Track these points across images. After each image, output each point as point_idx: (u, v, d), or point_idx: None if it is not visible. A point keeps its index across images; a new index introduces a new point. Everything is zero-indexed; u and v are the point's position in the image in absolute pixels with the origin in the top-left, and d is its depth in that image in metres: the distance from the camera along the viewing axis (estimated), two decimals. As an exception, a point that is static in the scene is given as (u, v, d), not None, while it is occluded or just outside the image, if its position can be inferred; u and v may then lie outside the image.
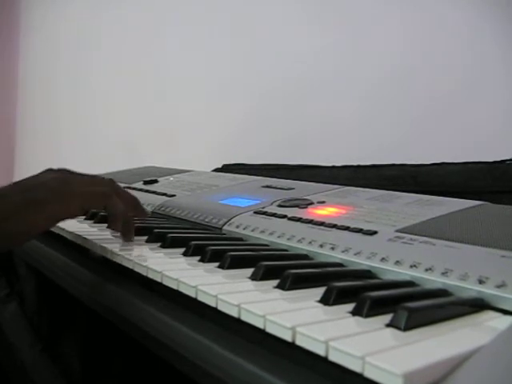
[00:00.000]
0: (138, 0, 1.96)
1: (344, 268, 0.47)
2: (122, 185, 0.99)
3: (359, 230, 0.52)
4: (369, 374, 0.25)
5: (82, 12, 2.30)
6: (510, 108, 0.92)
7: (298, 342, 0.30)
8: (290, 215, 0.61)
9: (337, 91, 1.21)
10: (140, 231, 0.60)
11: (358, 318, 0.32)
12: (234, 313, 0.35)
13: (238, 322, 0.34)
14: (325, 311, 0.34)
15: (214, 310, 0.36)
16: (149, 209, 0.80)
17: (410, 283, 0.41)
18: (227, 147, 1.45)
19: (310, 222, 0.58)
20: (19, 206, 0.50)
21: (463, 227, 0.50)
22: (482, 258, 0.42)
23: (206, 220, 0.68)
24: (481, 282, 0.38)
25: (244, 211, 0.67)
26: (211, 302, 0.37)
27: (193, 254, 0.50)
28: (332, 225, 0.55)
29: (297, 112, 1.30)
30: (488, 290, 0.37)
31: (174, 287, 0.41)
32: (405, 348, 0.28)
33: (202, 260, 0.48)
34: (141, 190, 0.93)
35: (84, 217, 0.74)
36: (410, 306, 0.31)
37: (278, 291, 0.39)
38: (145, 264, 0.46)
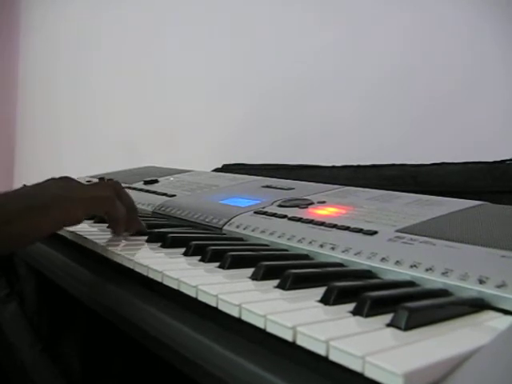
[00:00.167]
0: (138, 0, 1.96)
1: (344, 268, 0.47)
2: (123, 185, 0.99)
3: (359, 230, 0.52)
4: (369, 373, 0.25)
5: (81, 12, 2.30)
6: (510, 108, 0.92)
7: (299, 342, 0.30)
8: (290, 215, 0.61)
9: (337, 91, 1.21)
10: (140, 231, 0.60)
11: (358, 318, 0.32)
12: (234, 313, 0.35)
13: (238, 321, 0.34)
14: (325, 311, 0.34)
15: (215, 309, 0.37)
16: (149, 209, 0.80)
17: (410, 283, 0.41)
18: (227, 147, 1.46)
19: (311, 222, 0.58)
20: (22, 211, 0.50)
21: (463, 227, 0.50)
22: (482, 257, 0.42)
23: (207, 220, 0.68)
24: (481, 281, 0.38)
25: (244, 211, 0.67)
26: (212, 302, 0.37)
27: (193, 254, 0.50)
28: (332, 225, 0.55)
29: (297, 112, 1.30)
30: (488, 290, 0.37)
31: (175, 287, 0.41)
32: (405, 348, 0.28)
33: (202, 260, 0.48)
34: (141, 189, 0.93)
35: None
36: (410, 305, 0.31)
37: (279, 291, 0.39)
38: (145, 264, 0.46)
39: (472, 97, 0.97)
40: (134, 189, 0.95)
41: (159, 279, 0.43)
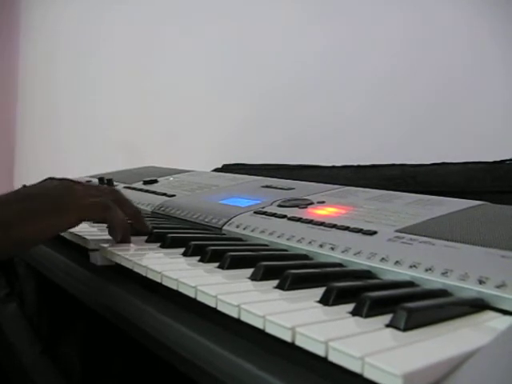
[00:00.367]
0: (138, 0, 1.96)
1: (344, 268, 0.47)
2: (122, 185, 0.99)
3: (359, 230, 0.52)
4: (368, 374, 0.25)
5: (81, 12, 2.30)
6: (510, 108, 0.92)
7: (298, 343, 0.30)
8: (289, 215, 0.61)
9: (337, 91, 1.21)
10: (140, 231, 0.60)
11: (357, 319, 0.32)
12: (233, 313, 0.35)
13: (237, 322, 0.34)
14: (324, 311, 0.34)
15: (214, 310, 0.36)
16: (148, 209, 0.80)
17: (409, 283, 0.41)
18: (227, 147, 1.46)
19: (310, 222, 0.58)
20: (18, 216, 0.50)
21: (463, 227, 0.50)
22: (482, 258, 0.42)
23: (206, 220, 0.68)
24: (481, 282, 0.38)
25: (244, 211, 0.67)
26: (211, 303, 0.37)
27: (192, 254, 0.50)
28: (332, 225, 0.55)
29: (297, 112, 1.30)
30: (488, 290, 0.37)
31: (174, 287, 0.41)
32: (404, 348, 0.28)
33: (201, 260, 0.48)
34: (141, 190, 0.93)
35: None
36: (409, 306, 0.31)
37: (278, 291, 0.39)
38: (144, 264, 0.46)
39: (472, 97, 0.97)
40: (134, 189, 0.95)
41: (158, 279, 0.43)
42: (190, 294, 0.39)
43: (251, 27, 1.44)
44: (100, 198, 0.56)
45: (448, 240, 0.46)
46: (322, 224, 0.56)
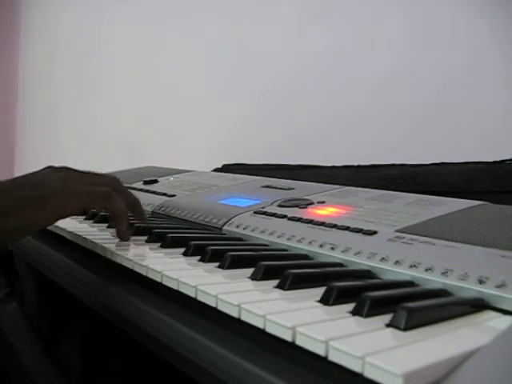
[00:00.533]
0: (138, 0, 1.96)
1: (344, 268, 0.47)
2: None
3: (359, 230, 0.52)
4: (369, 373, 0.25)
5: (81, 12, 2.30)
6: (510, 108, 0.92)
7: (298, 342, 0.30)
8: (290, 215, 0.61)
9: (337, 91, 1.21)
10: (140, 231, 0.60)
11: (357, 318, 0.32)
12: (234, 313, 0.35)
13: (238, 321, 0.34)
14: (325, 311, 0.34)
15: (214, 309, 0.36)
16: (149, 209, 0.80)
17: (410, 283, 0.41)
18: (227, 147, 1.46)
19: (310, 222, 0.58)
20: (18, 203, 0.50)
21: (463, 227, 0.50)
22: (481, 258, 0.42)
23: (206, 220, 0.68)
24: (481, 282, 0.38)
25: (244, 211, 0.67)
26: (211, 302, 0.37)
27: (193, 254, 0.50)
28: (332, 225, 0.55)
29: (297, 112, 1.30)
30: (488, 290, 0.37)
31: (174, 287, 0.41)
32: (405, 348, 0.28)
33: (202, 260, 0.48)
34: (141, 190, 0.93)
35: (84, 217, 0.74)
36: (409, 306, 0.31)
37: (278, 291, 0.39)
38: (145, 264, 0.46)
39: (472, 97, 0.97)
40: (134, 189, 0.95)
41: (158, 279, 0.43)
42: (191, 293, 0.39)
43: (251, 27, 1.44)
44: (101, 186, 0.56)
45: (448, 240, 0.46)
46: (322, 224, 0.56)
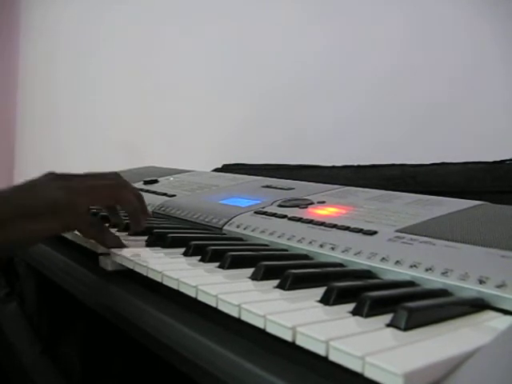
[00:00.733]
0: (138, 0, 1.96)
1: (344, 268, 0.47)
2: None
3: (359, 230, 0.52)
4: (369, 373, 0.25)
5: (81, 12, 2.30)
6: (510, 108, 0.92)
7: (299, 342, 0.30)
8: (290, 215, 0.61)
9: (337, 91, 1.21)
10: (140, 231, 0.60)
11: (358, 318, 0.32)
12: (234, 313, 0.35)
13: (238, 321, 0.34)
14: (325, 311, 0.34)
15: (215, 309, 0.36)
16: (149, 209, 0.80)
17: (410, 283, 0.41)
18: (227, 147, 1.46)
19: (310, 222, 0.58)
20: (15, 215, 0.49)
21: (463, 227, 0.50)
22: (482, 257, 0.42)
23: (206, 220, 0.68)
24: (481, 282, 0.38)
25: (244, 211, 0.67)
26: (211, 302, 0.37)
27: (193, 254, 0.50)
28: (332, 225, 0.55)
29: (297, 112, 1.30)
30: (488, 290, 0.37)
31: (175, 287, 0.41)
32: (405, 348, 0.28)
33: (202, 260, 0.48)
34: (141, 190, 0.93)
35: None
36: (410, 305, 0.31)
37: (279, 291, 0.39)
38: (145, 264, 0.46)
39: (472, 97, 0.97)
40: (134, 189, 0.95)
41: (159, 279, 0.43)
42: (191, 293, 0.39)
43: (251, 27, 1.44)
44: (102, 198, 0.56)
45: (448, 240, 0.46)
46: (322, 224, 0.56)
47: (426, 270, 0.41)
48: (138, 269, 0.47)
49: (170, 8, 1.76)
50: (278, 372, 0.29)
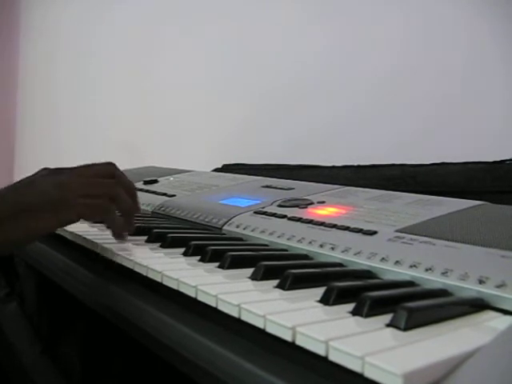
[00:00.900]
0: (138, 0, 1.96)
1: (344, 268, 0.47)
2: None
3: (359, 230, 0.52)
4: (369, 373, 0.25)
5: (81, 12, 2.30)
6: (510, 108, 0.92)
7: (298, 342, 0.30)
8: (289, 215, 0.61)
9: (337, 91, 1.21)
10: (140, 231, 0.60)
11: (358, 318, 0.32)
12: (234, 313, 0.35)
13: (238, 321, 0.34)
14: (325, 311, 0.34)
15: (215, 309, 0.36)
16: (149, 209, 0.80)
17: (409, 283, 0.41)
18: (227, 147, 1.45)
19: (310, 222, 0.58)
20: (12, 213, 0.49)
21: (463, 227, 0.50)
22: (481, 257, 0.42)
23: (206, 220, 0.68)
24: (481, 282, 0.38)
25: (244, 211, 0.67)
26: (211, 302, 0.37)
27: (193, 254, 0.50)
28: (332, 225, 0.55)
29: (297, 112, 1.30)
30: (488, 290, 0.37)
31: (174, 287, 0.41)
32: (405, 348, 0.28)
33: (202, 260, 0.48)
34: (141, 190, 0.93)
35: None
36: (409, 305, 0.31)
37: (278, 291, 0.39)
38: (145, 264, 0.46)
39: (472, 97, 0.97)
40: (134, 189, 0.95)
41: (159, 279, 0.43)
42: (191, 293, 0.39)
43: (251, 27, 1.44)
44: (99, 199, 0.54)
45: (448, 240, 0.46)
46: (322, 224, 0.56)
47: (426, 270, 0.41)
48: (137, 269, 0.47)
49: (170, 8, 1.76)
50: (278, 372, 0.29)
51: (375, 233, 0.51)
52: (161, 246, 0.55)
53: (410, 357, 0.26)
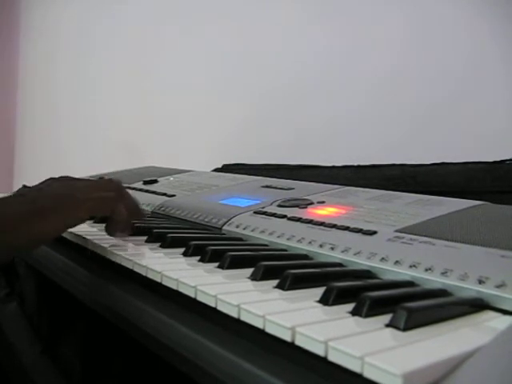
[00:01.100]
0: (138, 0, 1.96)
1: (344, 268, 0.47)
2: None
3: (359, 230, 0.52)
4: (368, 374, 0.25)
5: (82, 12, 2.30)
6: (510, 108, 0.92)
7: (298, 342, 0.30)
8: (289, 215, 0.61)
9: (337, 91, 1.21)
10: (140, 231, 0.60)
11: (357, 318, 0.32)
12: (233, 313, 0.35)
13: (237, 322, 0.34)
14: (324, 311, 0.34)
15: (214, 310, 0.36)
16: (149, 209, 0.80)
17: (409, 283, 0.41)
18: (227, 147, 1.46)
19: (310, 222, 0.58)
20: (23, 217, 0.49)
21: (463, 227, 0.50)
22: (481, 258, 0.42)
23: (206, 220, 0.68)
24: (481, 282, 0.38)
25: (244, 211, 0.67)
26: (211, 302, 0.37)
27: (192, 254, 0.50)
28: (332, 225, 0.55)
29: (297, 112, 1.30)
30: (488, 290, 0.37)
31: (174, 287, 0.41)
32: (404, 348, 0.28)
33: (201, 260, 0.48)
34: (141, 190, 0.93)
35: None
36: (409, 306, 0.31)
37: (278, 291, 0.39)
38: (144, 264, 0.46)
39: (472, 97, 0.97)
40: (134, 189, 0.95)
41: (158, 279, 0.43)
42: (190, 293, 0.39)
43: (251, 27, 1.44)
44: (105, 192, 0.56)
45: (448, 240, 0.46)
46: (321, 224, 0.56)
47: (426, 270, 0.41)
48: (137, 269, 0.47)
49: (170, 8, 1.76)
50: (278, 372, 0.29)
51: (375, 233, 0.51)
52: (160, 246, 0.55)
53: (410, 357, 0.26)
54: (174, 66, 1.75)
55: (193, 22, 1.66)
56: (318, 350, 0.28)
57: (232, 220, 0.64)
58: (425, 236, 0.48)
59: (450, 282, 0.39)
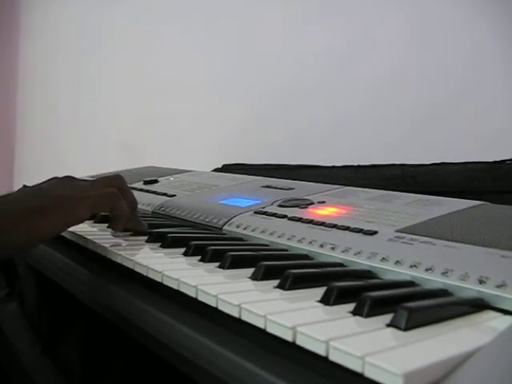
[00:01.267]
0: (138, 0, 1.96)
1: (344, 268, 0.47)
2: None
3: (359, 230, 0.52)
4: (369, 373, 0.25)
5: (82, 12, 2.30)
6: (510, 108, 0.92)
7: (299, 342, 0.30)
8: (290, 215, 0.61)
9: (337, 91, 1.21)
10: (140, 231, 0.60)
11: (358, 318, 0.32)
12: (234, 313, 0.35)
13: (238, 321, 0.34)
14: (325, 311, 0.34)
15: (215, 309, 0.37)
16: (149, 209, 0.80)
17: (410, 283, 0.41)
18: (227, 147, 1.46)
19: (310, 221, 0.58)
20: (23, 215, 0.50)
21: (463, 227, 0.50)
22: (482, 257, 0.42)
23: (206, 220, 0.68)
24: (481, 282, 0.38)
25: (244, 211, 0.67)
26: (212, 302, 0.37)
27: (193, 254, 0.50)
28: (332, 225, 0.55)
29: (297, 112, 1.30)
30: (488, 290, 0.37)
31: (175, 287, 0.41)
32: (405, 348, 0.28)
33: (202, 260, 0.48)
34: (141, 189, 0.93)
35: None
36: (410, 305, 0.31)
37: (279, 291, 0.39)
38: (145, 264, 0.46)
39: (472, 97, 0.97)
40: (134, 189, 0.95)
41: (159, 279, 0.43)
42: (191, 293, 0.39)
43: (251, 27, 1.44)
44: (106, 188, 0.57)
45: (448, 240, 0.46)
46: (322, 224, 0.56)
47: (426, 269, 0.41)
48: (137, 269, 0.47)
49: (169, 8, 1.76)
50: (278, 372, 0.29)
51: (375, 233, 0.51)
52: (161, 246, 0.55)
53: (411, 357, 0.26)
54: (174, 66, 1.75)
55: (193, 22, 1.66)
56: (319, 350, 0.28)
57: (232, 220, 0.64)
58: (425, 236, 0.48)
59: (450, 281, 0.39)
